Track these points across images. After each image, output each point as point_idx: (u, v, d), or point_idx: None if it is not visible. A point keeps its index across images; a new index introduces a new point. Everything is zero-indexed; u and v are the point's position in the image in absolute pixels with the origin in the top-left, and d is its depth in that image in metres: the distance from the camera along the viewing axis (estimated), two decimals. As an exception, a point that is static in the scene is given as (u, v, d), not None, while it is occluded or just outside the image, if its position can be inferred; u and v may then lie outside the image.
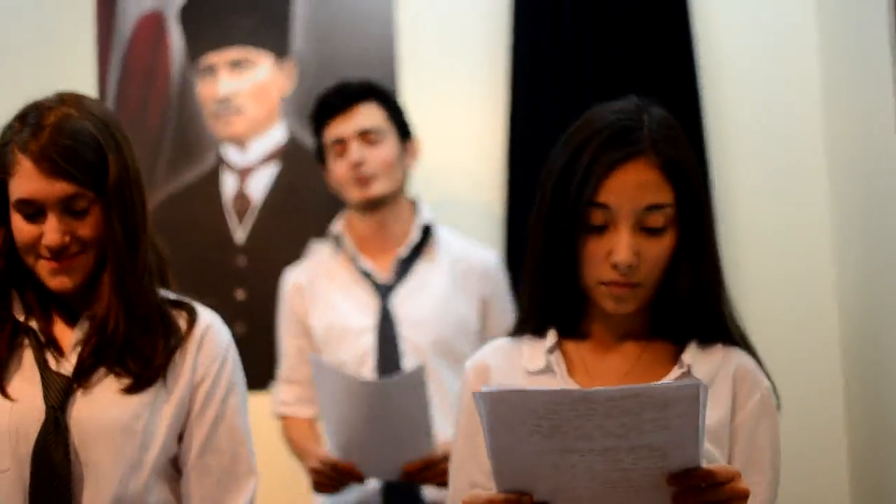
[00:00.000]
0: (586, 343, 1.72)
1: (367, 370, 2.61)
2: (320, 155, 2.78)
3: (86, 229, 1.72)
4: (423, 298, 2.67)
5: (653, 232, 1.61)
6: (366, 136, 2.68)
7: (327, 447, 2.49)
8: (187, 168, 3.34)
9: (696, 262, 1.65)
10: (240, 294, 3.27)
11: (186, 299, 1.86)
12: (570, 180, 1.61)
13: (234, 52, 3.35)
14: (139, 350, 1.75)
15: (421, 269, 2.71)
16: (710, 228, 1.68)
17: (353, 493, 2.53)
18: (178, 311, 1.83)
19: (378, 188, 2.66)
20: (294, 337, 2.76)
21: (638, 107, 1.67)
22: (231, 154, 3.33)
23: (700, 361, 1.66)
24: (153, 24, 3.37)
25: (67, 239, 1.71)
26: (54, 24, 3.39)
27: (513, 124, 3.19)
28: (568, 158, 1.64)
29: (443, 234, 2.77)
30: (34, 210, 1.71)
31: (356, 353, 2.64)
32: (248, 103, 3.34)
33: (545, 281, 1.69)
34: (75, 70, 3.35)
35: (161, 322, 1.78)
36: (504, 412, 1.34)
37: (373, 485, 2.53)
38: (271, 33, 3.34)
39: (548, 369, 1.70)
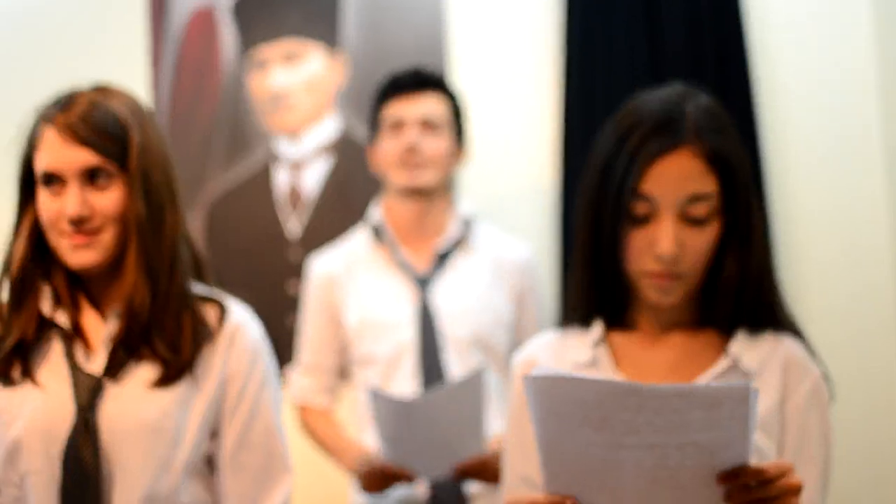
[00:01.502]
0: (633, 334, 1.70)
1: (406, 363, 2.60)
2: (373, 130, 2.74)
3: (107, 203, 1.72)
4: (461, 292, 2.65)
5: (696, 222, 1.58)
6: (427, 123, 2.65)
7: (374, 448, 2.49)
8: (240, 162, 3.36)
9: (743, 250, 1.62)
10: (294, 288, 3.29)
11: (218, 294, 1.85)
12: (613, 171, 1.60)
13: (285, 45, 3.36)
14: (167, 332, 1.74)
15: (459, 263, 2.68)
16: (757, 217, 1.65)
17: (399, 490, 2.52)
18: (209, 306, 1.82)
19: (426, 178, 2.63)
20: (321, 329, 2.72)
21: (682, 95, 1.64)
22: (284, 147, 3.35)
23: (748, 350, 1.64)
24: (205, 19, 3.39)
25: (88, 211, 1.71)
26: (107, 19, 3.43)
27: (566, 114, 3.17)
28: (611, 148, 1.62)
29: (479, 228, 2.75)
30: (57, 182, 1.72)
31: (393, 345, 2.61)
32: (300, 96, 3.35)
33: (591, 271, 1.67)
34: (128, 66, 3.39)
35: (190, 313, 1.77)
36: (552, 399, 1.33)
37: (421, 483, 2.51)
38: (322, 25, 3.35)
39: (594, 362, 1.68)
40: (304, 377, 2.74)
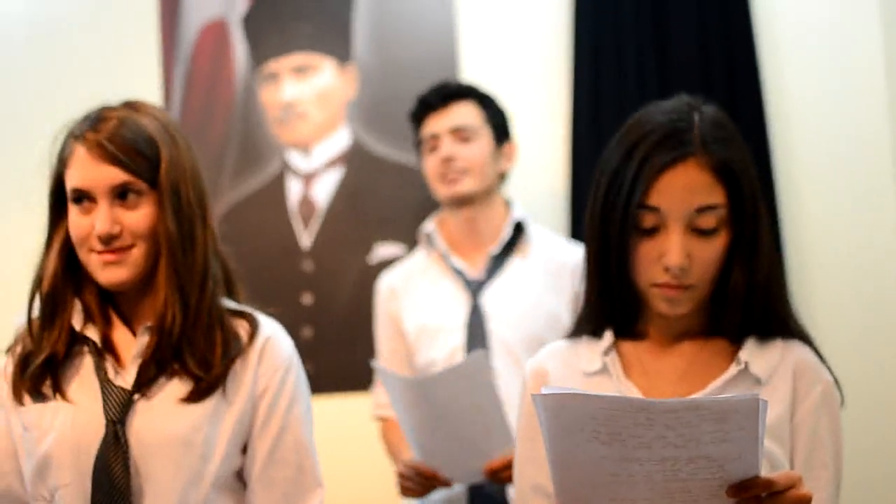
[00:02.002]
0: (643, 343, 1.71)
1: None
2: (419, 152, 2.81)
3: (137, 221, 1.73)
4: (514, 295, 2.67)
5: (704, 233, 1.59)
6: (458, 132, 2.70)
7: (411, 452, 2.49)
8: (252, 174, 3.37)
9: (751, 260, 1.63)
10: (307, 299, 3.30)
11: (248, 309, 1.85)
12: (621, 183, 1.60)
13: (296, 59, 3.37)
14: (198, 349, 1.74)
15: (513, 266, 2.71)
16: (765, 226, 1.65)
17: (439, 495, 2.52)
18: (240, 321, 1.82)
19: (466, 185, 2.68)
20: (389, 340, 2.77)
21: (689, 106, 1.65)
22: (295, 159, 3.36)
23: (758, 358, 1.65)
24: (216, 33, 3.40)
25: (117, 228, 1.72)
26: (119, 34, 3.45)
27: (575, 125, 3.18)
28: (618, 161, 1.62)
29: (535, 231, 2.77)
30: (87, 200, 1.73)
31: (446, 350, 2.64)
32: (311, 109, 3.36)
33: (600, 282, 1.68)
34: (140, 79, 3.40)
35: (221, 328, 1.77)
36: (562, 416, 1.34)
37: (458, 487, 2.51)
38: (333, 39, 3.36)
39: (604, 370, 1.69)
40: (381, 391, 2.76)
